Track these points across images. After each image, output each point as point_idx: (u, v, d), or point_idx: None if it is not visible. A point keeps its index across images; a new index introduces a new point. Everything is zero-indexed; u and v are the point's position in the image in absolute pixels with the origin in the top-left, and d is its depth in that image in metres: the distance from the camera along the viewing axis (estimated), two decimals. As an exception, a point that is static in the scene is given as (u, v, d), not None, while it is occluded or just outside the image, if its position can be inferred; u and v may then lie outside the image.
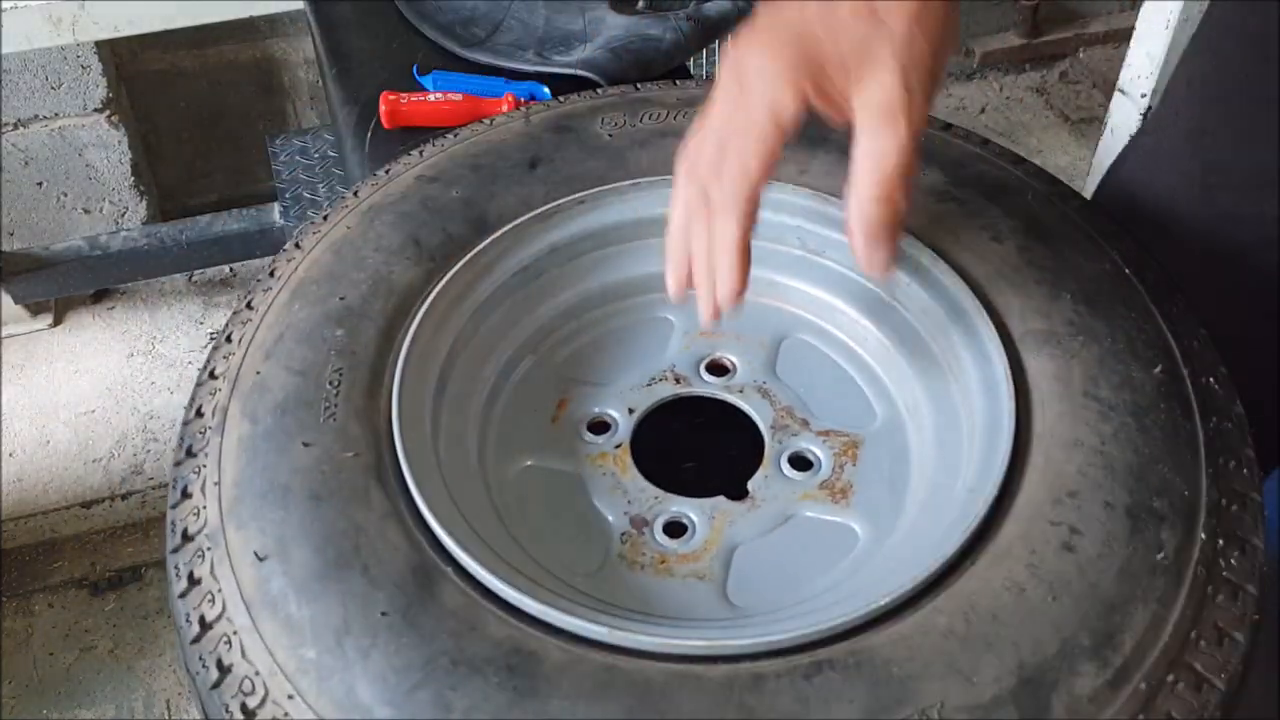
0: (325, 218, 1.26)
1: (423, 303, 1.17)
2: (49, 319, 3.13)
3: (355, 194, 1.29)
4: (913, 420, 1.21)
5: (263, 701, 0.90)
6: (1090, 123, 3.74)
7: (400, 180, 1.29)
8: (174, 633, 1.00)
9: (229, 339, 1.15)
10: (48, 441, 2.86)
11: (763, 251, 1.29)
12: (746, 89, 0.96)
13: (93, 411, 2.93)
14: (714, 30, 1.86)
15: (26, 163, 3.03)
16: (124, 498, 2.75)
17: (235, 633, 0.93)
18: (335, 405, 1.07)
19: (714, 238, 1.02)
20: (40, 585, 2.62)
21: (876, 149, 0.95)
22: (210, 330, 3.12)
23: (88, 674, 2.47)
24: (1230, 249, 1.40)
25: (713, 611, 1.07)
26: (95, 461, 2.83)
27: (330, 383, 1.09)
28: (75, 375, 3.01)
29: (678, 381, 1.25)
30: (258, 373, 1.10)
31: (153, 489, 2.77)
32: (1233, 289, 1.42)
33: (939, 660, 0.90)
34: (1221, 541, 0.99)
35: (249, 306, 1.18)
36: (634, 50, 1.78)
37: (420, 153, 1.34)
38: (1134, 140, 1.55)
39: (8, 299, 2.98)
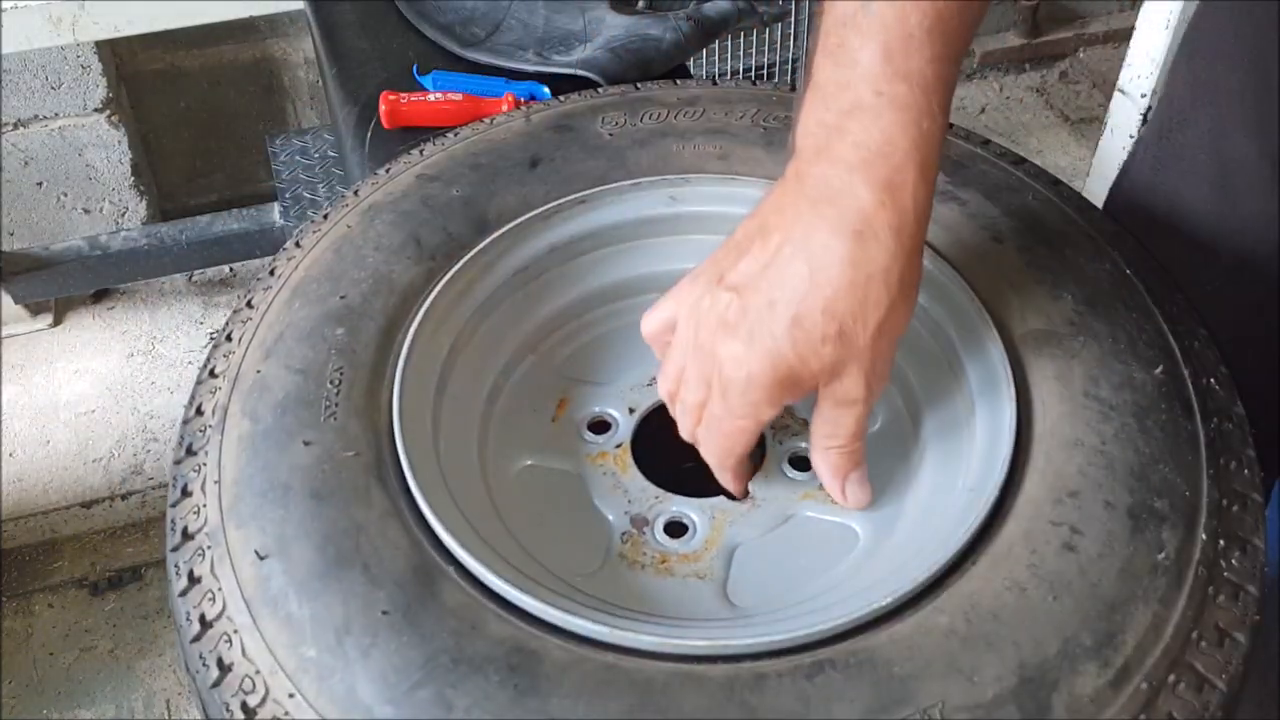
0: (325, 216, 1.25)
1: (423, 302, 1.16)
2: (49, 319, 3.13)
3: (355, 193, 1.28)
4: (913, 420, 1.21)
5: (263, 700, 0.90)
6: (1090, 123, 3.74)
7: (401, 179, 1.29)
8: (174, 632, 1.00)
9: (229, 337, 1.15)
10: (48, 441, 2.87)
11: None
12: (730, 397, 1.03)
13: (93, 411, 2.93)
14: (714, 30, 1.86)
15: (26, 163, 3.04)
16: (124, 498, 2.76)
17: (235, 631, 0.93)
18: (336, 404, 1.07)
19: (713, 470, 1.13)
20: (40, 585, 2.63)
21: (836, 420, 1.06)
22: (210, 330, 3.12)
23: (88, 674, 2.47)
24: (1257, 255, 1.40)
25: (713, 611, 1.07)
26: (95, 461, 2.83)
27: (331, 381, 1.08)
28: (75, 375, 3.02)
29: (678, 381, 1.25)
30: (258, 371, 1.10)
31: (153, 489, 2.77)
32: (1258, 297, 1.42)
33: (940, 660, 0.89)
34: (1222, 542, 0.98)
35: (249, 305, 1.17)
36: (634, 50, 1.78)
37: (421, 151, 1.33)
38: (1142, 148, 1.54)
39: (8, 299, 2.99)
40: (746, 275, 1.01)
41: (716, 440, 1.08)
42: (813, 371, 1.00)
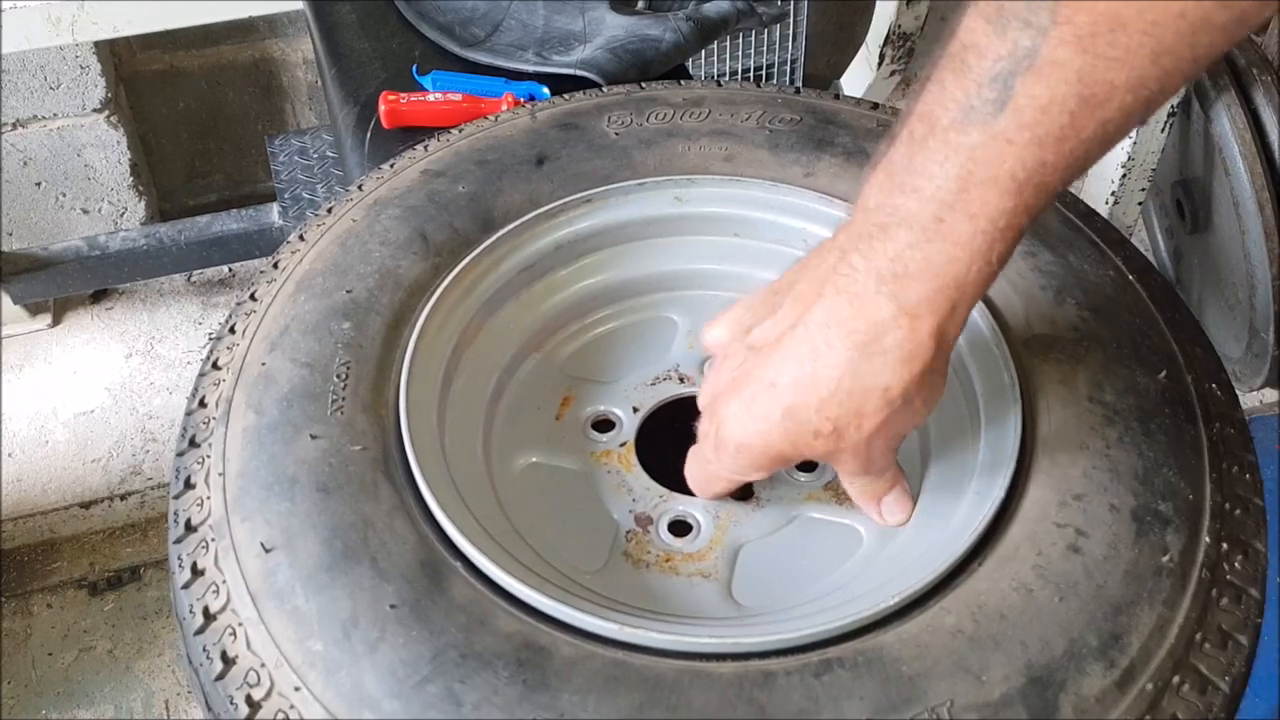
0: (330, 210, 1.25)
1: (429, 297, 1.17)
2: (48, 319, 3.13)
3: (360, 187, 1.28)
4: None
5: (268, 693, 0.90)
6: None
7: (406, 174, 1.29)
8: (173, 633, 1.00)
9: (232, 330, 1.15)
10: (46, 442, 2.86)
11: (768, 253, 1.30)
12: (721, 452, 1.04)
13: (91, 412, 2.93)
14: (713, 31, 1.86)
15: (25, 163, 3.03)
16: (123, 498, 2.75)
17: (240, 624, 0.93)
18: (343, 398, 1.07)
19: None
20: (39, 585, 2.62)
21: (849, 475, 1.08)
22: (209, 331, 3.12)
23: (86, 674, 2.47)
24: None
25: (718, 610, 1.07)
26: (94, 462, 2.83)
27: (337, 376, 1.08)
28: (74, 375, 3.02)
29: (682, 381, 1.26)
30: (263, 364, 1.10)
31: (152, 489, 2.77)
32: None
33: (948, 659, 0.90)
34: (1225, 545, 0.99)
35: (253, 298, 1.17)
36: (633, 50, 1.78)
37: (426, 147, 1.34)
38: None
39: (7, 299, 2.98)
40: (764, 340, 1.01)
41: (699, 476, 1.11)
42: (804, 455, 1.01)
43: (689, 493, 1.15)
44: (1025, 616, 0.92)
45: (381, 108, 1.71)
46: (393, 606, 0.92)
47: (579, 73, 1.77)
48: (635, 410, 1.23)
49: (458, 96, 1.72)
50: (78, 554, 2.69)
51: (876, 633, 0.92)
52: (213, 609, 0.95)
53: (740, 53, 2.59)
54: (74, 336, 3.12)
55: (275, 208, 2.89)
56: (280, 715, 0.89)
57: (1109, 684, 0.89)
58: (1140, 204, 2.87)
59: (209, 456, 1.04)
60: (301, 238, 1.23)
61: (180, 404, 1.13)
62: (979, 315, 1.14)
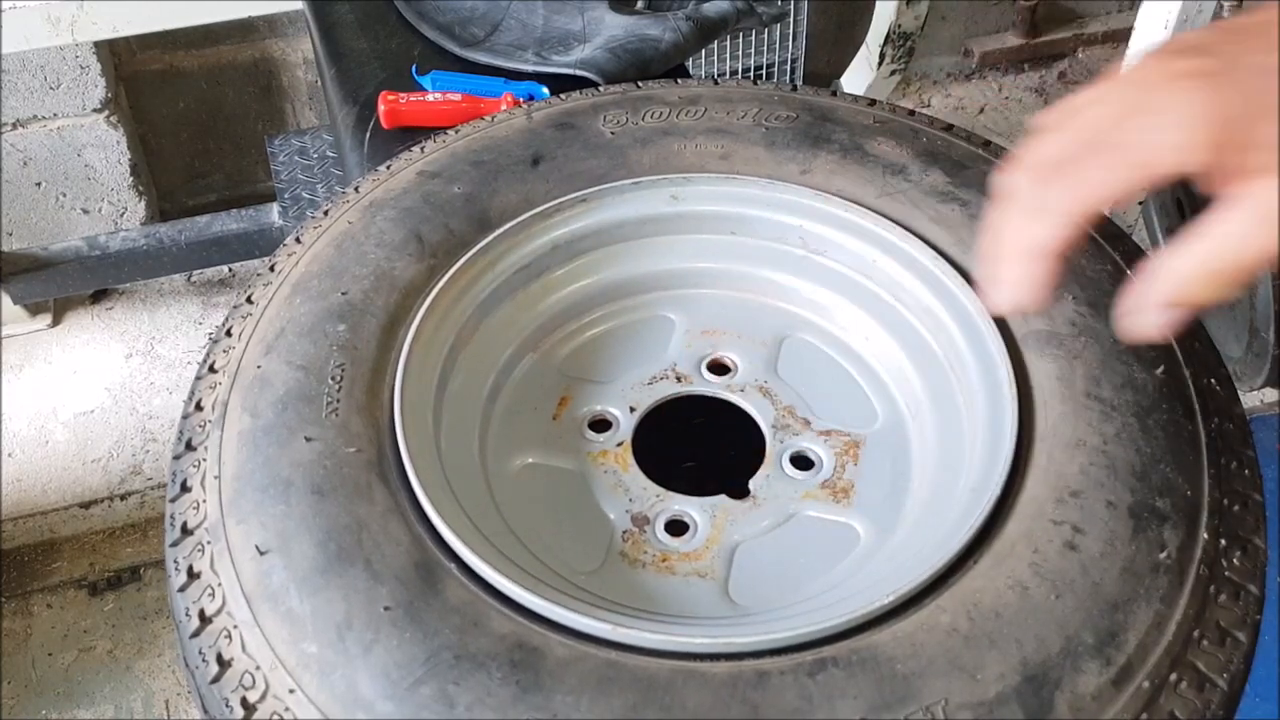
0: (326, 212, 1.25)
1: (425, 299, 1.16)
2: (48, 319, 3.13)
3: (356, 189, 1.28)
4: (914, 420, 1.21)
5: (263, 696, 0.90)
6: (1089, 125, 3.73)
7: (402, 176, 1.29)
8: (173, 633, 1.00)
9: (229, 333, 1.15)
10: (46, 442, 2.86)
11: (765, 251, 1.29)
12: (1148, 111, 0.77)
13: (91, 412, 2.93)
14: (713, 30, 1.86)
15: (25, 163, 3.04)
16: (123, 498, 2.76)
17: (235, 627, 0.93)
18: (338, 401, 1.07)
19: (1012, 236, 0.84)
20: (39, 585, 2.62)
21: (1235, 230, 0.77)
22: (209, 331, 3.12)
23: (86, 674, 2.47)
24: None
25: (714, 610, 1.07)
26: (94, 462, 2.83)
27: (332, 378, 1.08)
28: (74, 376, 3.02)
29: (679, 380, 1.25)
30: (258, 367, 1.10)
31: (151, 489, 2.77)
32: None
33: (943, 658, 0.90)
34: (1224, 541, 0.99)
35: (249, 301, 1.17)
36: (632, 50, 1.77)
37: (422, 149, 1.33)
38: None
39: (7, 299, 2.99)
40: (1241, 20, 0.79)
41: (1093, 168, 0.79)
42: (1232, 152, 0.74)
43: (686, 492, 1.15)
44: (1021, 614, 0.92)
45: (381, 108, 1.71)
46: (387, 608, 0.92)
47: (578, 73, 1.77)
48: (632, 410, 1.23)
49: (457, 96, 1.72)
50: (78, 554, 2.69)
51: (871, 631, 0.92)
52: (208, 612, 0.95)
53: (740, 52, 2.60)
54: (74, 336, 3.12)
55: (275, 208, 2.89)
56: (275, 717, 0.89)
57: (1105, 682, 0.89)
58: (1141, 203, 2.87)
59: (204, 460, 1.04)
60: (298, 240, 1.23)
61: (181, 404, 1.14)
62: (976, 310, 1.13)
